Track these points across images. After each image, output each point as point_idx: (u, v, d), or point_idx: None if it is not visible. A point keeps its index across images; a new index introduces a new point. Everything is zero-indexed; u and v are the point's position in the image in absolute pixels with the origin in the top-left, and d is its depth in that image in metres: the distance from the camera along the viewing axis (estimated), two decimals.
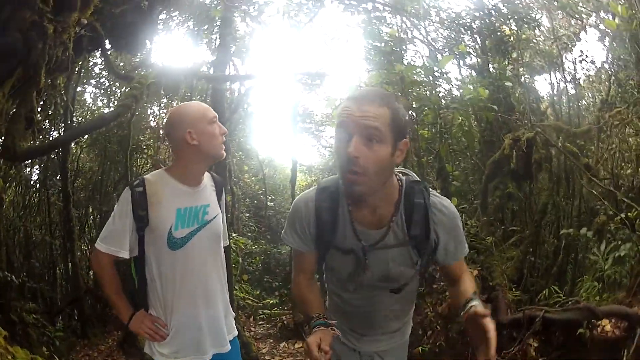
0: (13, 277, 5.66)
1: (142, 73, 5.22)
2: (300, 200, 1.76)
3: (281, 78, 8.96)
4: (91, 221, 8.65)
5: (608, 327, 3.69)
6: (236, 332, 2.44)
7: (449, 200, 1.73)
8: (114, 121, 5.86)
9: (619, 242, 4.73)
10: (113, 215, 2.11)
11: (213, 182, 2.30)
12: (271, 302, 8.27)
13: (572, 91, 8.07)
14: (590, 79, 8.77)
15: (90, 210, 8.56)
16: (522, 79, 8.06)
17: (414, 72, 4.55)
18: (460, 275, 1.79)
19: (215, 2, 7.86)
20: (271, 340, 6.58)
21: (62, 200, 6.88)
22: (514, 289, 4.56)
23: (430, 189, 1.71)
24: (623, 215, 4.50)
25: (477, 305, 1.51)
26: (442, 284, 3.92)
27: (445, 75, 5.61)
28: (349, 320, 1.90)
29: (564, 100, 8.01)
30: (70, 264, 7.07)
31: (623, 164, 6.91)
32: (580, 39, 8.04)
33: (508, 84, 5.65)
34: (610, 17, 5.87)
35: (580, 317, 3.53)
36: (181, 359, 2.18)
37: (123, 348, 6.14)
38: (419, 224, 1.62)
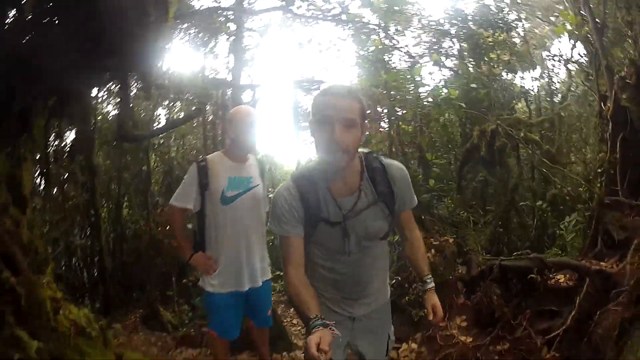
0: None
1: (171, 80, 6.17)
2: (280, 191, 2.01)
3: (284, 84, 9.96)
4: (105, 215, 9.17)
5: (562, 280, 4.15)
6: (270, 275, 3.26)
7: (401, 164, 2.17)
8: (190, 120, 7.67)
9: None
10: (183, 182, 2.98)
11: (257, 162, 3.19)
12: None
13: (547, 87, 8.89)
14: (571, 74, 9.58)
15: (104, 205, 9.12)
16: (498, 78, 8.89)
17: (396, 78, 5.43)
18: (410, 223, 2.25)
19: (218, 13, 8.53)
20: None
21: (88, 191, 7.52)
22: (484, 253, 5.37)
23: (382, 156, 2.13)
24: (569, 188, 5.31)
25: (432, 288, 2.13)
26: None
27: (422, 81, 6.49)
28: (341, 289, 2.13)
29: (537, 96, 8.77)
30: (96, 249, 7.77)
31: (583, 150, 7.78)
32: (560, 37, 8.85)
33: (473, 85, 6.51)
34: None
35: (532, 265, 4.03)
36: (226, 289, 3.02)
37: (147, 323, 6.80)
38: (382, 182, 2.00)
